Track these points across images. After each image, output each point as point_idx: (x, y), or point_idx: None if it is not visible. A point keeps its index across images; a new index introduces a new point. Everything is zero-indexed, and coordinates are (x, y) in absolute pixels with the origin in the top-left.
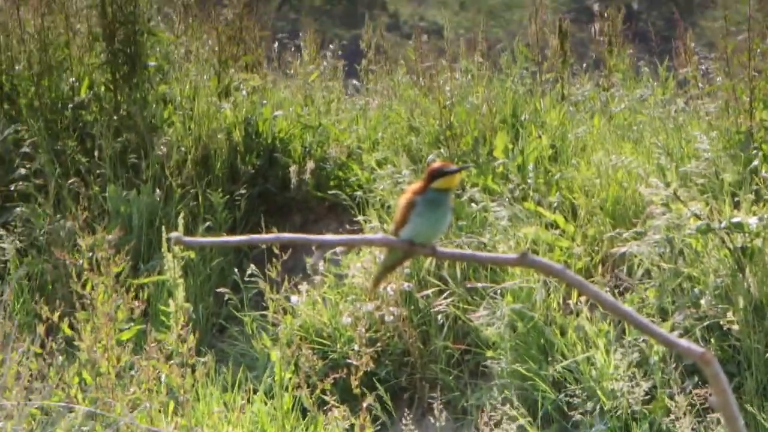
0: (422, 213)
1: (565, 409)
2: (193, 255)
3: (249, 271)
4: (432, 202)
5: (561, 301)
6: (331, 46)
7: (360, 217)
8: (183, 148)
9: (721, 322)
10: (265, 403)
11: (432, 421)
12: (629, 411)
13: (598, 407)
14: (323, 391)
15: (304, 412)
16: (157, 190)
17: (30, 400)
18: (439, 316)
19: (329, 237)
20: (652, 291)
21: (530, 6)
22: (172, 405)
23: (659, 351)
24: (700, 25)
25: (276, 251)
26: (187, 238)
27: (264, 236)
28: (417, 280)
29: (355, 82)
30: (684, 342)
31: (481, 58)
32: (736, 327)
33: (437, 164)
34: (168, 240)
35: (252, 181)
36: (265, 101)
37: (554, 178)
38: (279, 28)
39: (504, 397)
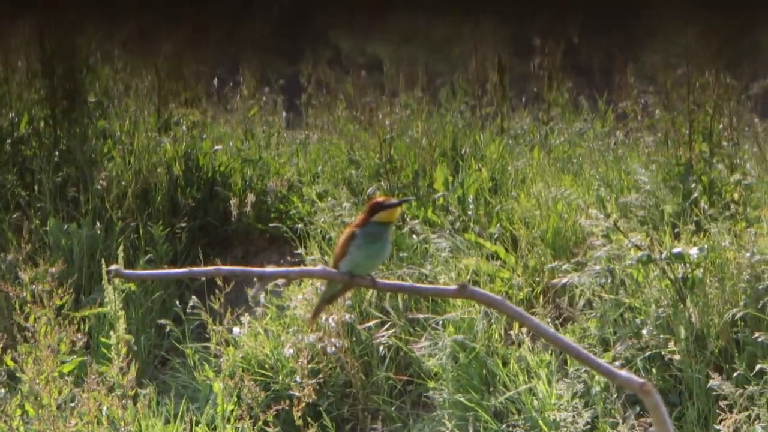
0: (361, 245)
1: None
2: (134, 287)
3: (191, 303)
4: (371, 235)
5: (503, 332)
6: (272, 82)
7: (301, 250)
8: (123, 182)
9: (663, 353)
10: None
11: None
12: None
13: None
14: (266, 423)
15: None
16: (98, 224)
17: None
18: (381, 348)
19: (269, 269)
20: (593, 321)
21: (470, 40)
22: None
23: (601, 381)
24: (641, 59)
25: (218, 283)
26: (127, 271)
27: (203, 269)
28: (359, 312)
29: (297, 116)
30: (624, 373)
31: (420, 93)
32: (677, 357)
33: (378, 198)
34: (108, 273)
35: (193, 214)
36: (205, 136)
37: (494, 210)
38: (219, 63)
39: (446, 429)
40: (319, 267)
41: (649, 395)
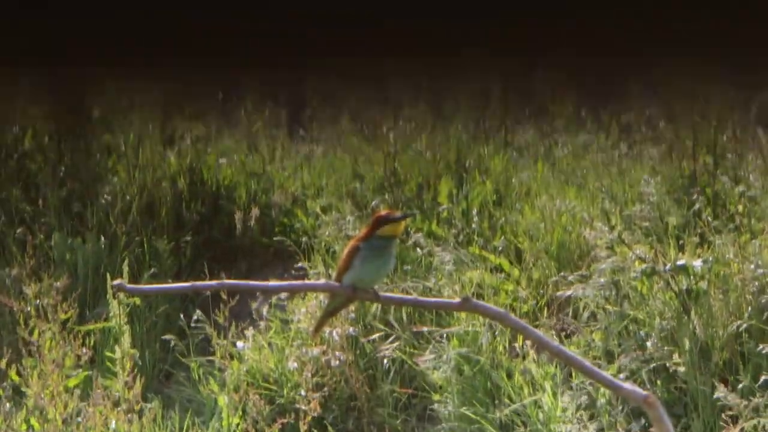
0: (365, 258)
1: None
2: (138, 302)
3: (195, 317)
4: (375, 249)
5: (507, 344)
6: (277, 96)
7: (305, 263)
8: (128, 196)
9: (668, 364)
10: None
11: None
12: None
13: None
14: None
15: None
16: (102, 238)
17: None
18: (386, 361)
19: (273, 283)
20: (598, 334)
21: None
22: None
23: (606, 393)
24: (645, 70)
25: (223, 297)
26: (130, 286)
27: (207, 283)
28: (363, 325)
29: (301, 131)
30: (628, 385)
31: (425, 106)
32: (682, 369)
33: (382, 212)
34: (113, 287)
35: (197, 228)
36: (209, 149)
37: (499, 223)
38: (223, 76)
39: None
40: (322, 281)
41: (653, 408)
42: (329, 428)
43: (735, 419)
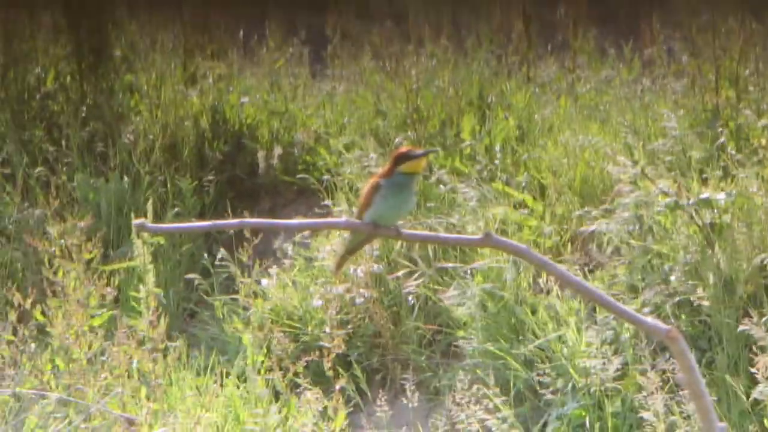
0: (386, 196)
1: (537, 387)
2: (162, 241)
3: (219, 256)
4: (396, 185)
5: (531, 280)
6: (299, 33)
7: (328, 201)
8: (150, 136)
9: (692, 298)
10: (238, 387)
11: (405, 401)
12: (601, 388)
13: (570, 385)
14: (296, 374)
15: (276, 395)
16: (125, 178)
17: (2, 386)
18: (410, 297)
19: (294, 221)
20: (621, 268)
21: None
22: (144, 390)
23: (630, 328)
24: (667, 4)
25: (246, 235)
26: (151, 225)
27: (228, 222)
28: (387, 262)
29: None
30: (650, 320)
31: (446, 42)
32: (706, 303)
33: (403, 149)
34: (135, 226)
35: (220, 167)
36: (231, 88)
37: (522, 159)
38: (245, 15)
39: (476, 377)
40: (343, 218)
41: (675, 341)
42: (354, 365)
43: (762, 350)
